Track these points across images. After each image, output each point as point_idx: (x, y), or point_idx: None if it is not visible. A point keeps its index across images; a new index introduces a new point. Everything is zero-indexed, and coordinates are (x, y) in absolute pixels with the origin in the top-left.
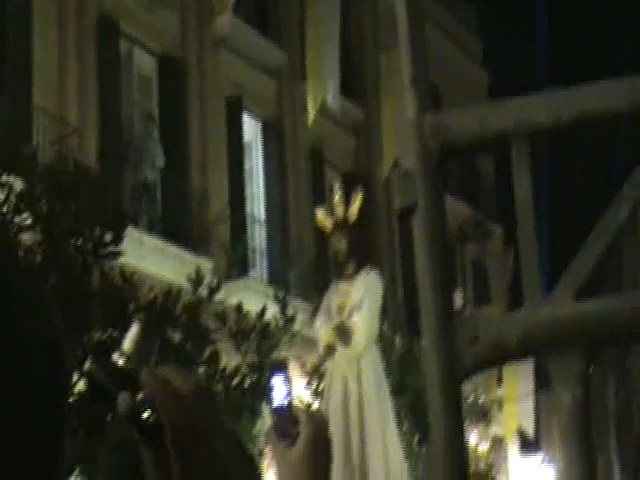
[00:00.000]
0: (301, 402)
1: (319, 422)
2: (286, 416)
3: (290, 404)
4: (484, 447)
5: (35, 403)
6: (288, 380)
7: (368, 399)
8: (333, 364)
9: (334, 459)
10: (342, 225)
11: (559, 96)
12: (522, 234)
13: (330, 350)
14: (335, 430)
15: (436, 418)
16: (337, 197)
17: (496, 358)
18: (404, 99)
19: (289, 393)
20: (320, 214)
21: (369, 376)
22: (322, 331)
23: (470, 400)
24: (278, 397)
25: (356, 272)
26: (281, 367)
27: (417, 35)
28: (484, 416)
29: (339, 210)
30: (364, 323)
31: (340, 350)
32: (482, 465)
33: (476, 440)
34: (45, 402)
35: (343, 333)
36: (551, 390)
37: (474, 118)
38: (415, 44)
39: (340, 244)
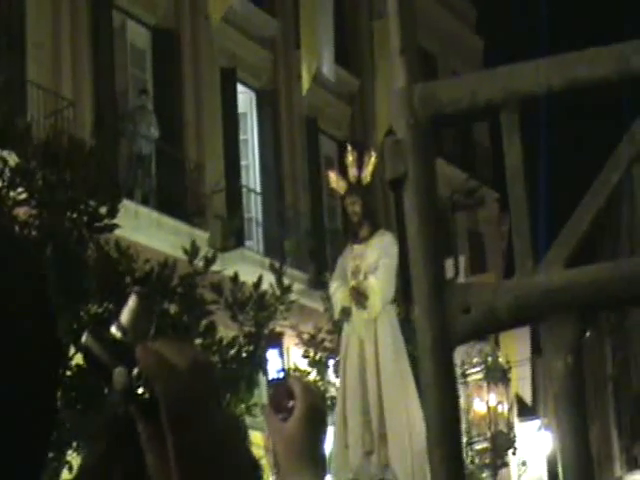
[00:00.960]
0: (298, 371)
1: (313, 395)
2: (281, 390)
3: (285, 378)
4: (504, 408)
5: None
6: (283, 353)
7: (384, 361)
8: (349, 327)
9: (353, 423)
10: (356, 186)
11: (549, 64)
12: (513, 201)
13: (346, 313)
14: (353, 394)
15: (428, 387)
16: (350, 158)
17: (488, 327)
18: (393, 69)
19: (284, 367)
20: (332, 176)
21: (386, 338)
22: (337, 294)
23: (490, 360)
24: (273, 370)
25: (371, 234)
26: (276, 340)
27: (406, 3)
28: (504, 376)
29: (352, 171)
30: (380, 285)
31: (356, 312)
32: (502, 426)
33: (496, 401)
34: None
35: (359, 295)
36: (543, 358)
37: (464, 88)
38: (404, 13)
39: (354, 206)
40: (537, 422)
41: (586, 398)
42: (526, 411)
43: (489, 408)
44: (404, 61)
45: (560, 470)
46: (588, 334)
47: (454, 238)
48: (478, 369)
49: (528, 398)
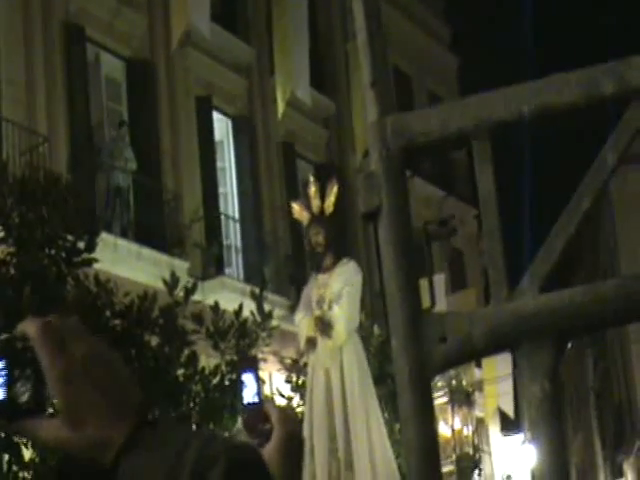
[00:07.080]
0: (281, 396)
1: (291, 421)
2: (257, 413)
3: (261, 401)
4: (469, 430)
5: None
6: (258, 377)
7: (351, 390)
8: (315, 357)
9: (320, 451)
10: (319, 217)
11: (518, 91)
12: (486, 229)
13: (311, 343)
14: (319, 423)
15: (408, 417)
16: (313, 189)
17: (465, 355)
18: (366, 102)
19: (259, 390)
20: (296, 207)
21: (351, 367)
22: (303, 324)
23: (453, 383)
24: (248, 394)
25: (334, 263)
26: (251, 364)
27: (376, 37)
28: (467, 399)
29: (315, 202)
30: (344, 314)
31: (321, 342)
32: (467, 448)
33: (460, 423)
34: None
35: (323, 325)
36: (521, 383)
37: (435, 118)
38: (374, 47)
39: (318, 236)
40: (521, 436)
41: (569, 409)
42: (509, 425)
43: (454, 431)
44: (375, 94)
45: None
46: (570, 345)
47: (431, 266)
48: (441, 393)
49: (511, 412)
